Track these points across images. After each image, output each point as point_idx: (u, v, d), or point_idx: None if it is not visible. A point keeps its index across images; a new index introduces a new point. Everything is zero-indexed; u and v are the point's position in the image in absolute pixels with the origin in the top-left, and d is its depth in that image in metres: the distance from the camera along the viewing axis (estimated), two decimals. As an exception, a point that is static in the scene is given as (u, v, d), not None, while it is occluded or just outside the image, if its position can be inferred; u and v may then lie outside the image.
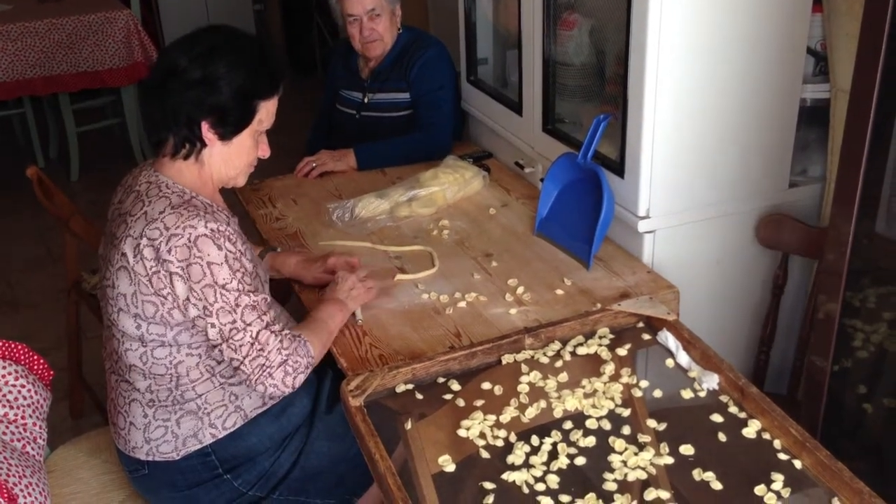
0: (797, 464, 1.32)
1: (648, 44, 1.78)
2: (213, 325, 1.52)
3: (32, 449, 1.67)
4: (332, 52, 2.93)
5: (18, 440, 1.65)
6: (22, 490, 1.52)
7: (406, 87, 2.62)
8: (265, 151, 1.68)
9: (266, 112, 1.62)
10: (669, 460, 1.35)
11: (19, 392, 1.70)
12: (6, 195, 4.40)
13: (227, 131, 1.58)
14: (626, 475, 1.33)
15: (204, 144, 1.59)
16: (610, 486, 1.31)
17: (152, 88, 1.58)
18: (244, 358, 1.53)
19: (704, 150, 1.93)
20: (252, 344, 1.52)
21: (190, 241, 1.49)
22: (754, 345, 2.18)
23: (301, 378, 1.57)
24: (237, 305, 1.51)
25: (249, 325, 1.52)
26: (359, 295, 1.80)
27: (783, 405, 1.41)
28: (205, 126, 1.56)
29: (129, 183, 1.65)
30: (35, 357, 1.78)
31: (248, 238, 2.01)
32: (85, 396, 2.74)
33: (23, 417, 1.68)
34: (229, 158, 1.62)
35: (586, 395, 1.50)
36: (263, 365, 1.53)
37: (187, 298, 1.51)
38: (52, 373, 1.81)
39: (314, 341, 1.62)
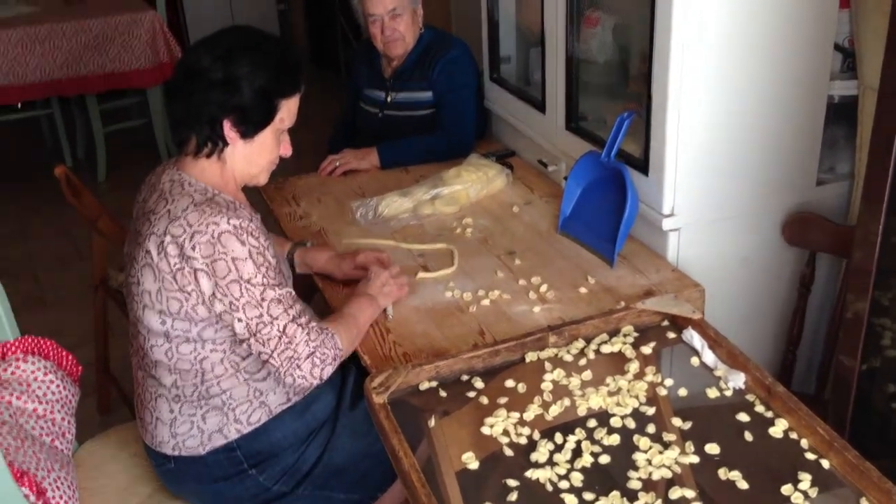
0: (825, 463, 1.31)
1: (673, 41, 1.77)
2: (239, 320, 1.53)
3: (61, 443, 1.69)
4: (355, 52, 2.94)
5: (47, 435, 1.67)
6: (50, 484, 1.54)
7: (428, 87, 2.62)
8: (287, 150, 1.69)
9: (287, 110, 1.63)
10: (695, 459, 1.34)
11: (48, 387, 1.72)
12: (35, 194, 4.46)
13: (249, 130, 1.59)
14: (650, 474, 1.32)
15: (226, 143, 1.60)
16: (634, 484, 1.30)
17: (175, 88, 1.59)
18: (272, 351, 1.54)
19: (730, 148, 1.92)
20: (280, 337, 1.54)
21: (213, 238, 1.50)
22: (781, 344, 2.16)
23: (329, 370, 1.58)
24: (263, 300, 1.53)
25: (276, 318, 1.54)
26: (391, 292, 1.81)
27: (810, 404, 1.40)
28: (227, 125, 1.57)
29: (152, 181, 1.67)
30: (64, 353, 1.80)
31: (274, 234, 2.03)
32: (112, 392, 2.77)
33: (51, 412, 1.71)
34: (251, 157, 1.63)
35: (610, 394, 1.49)
36: (292, 357, 1.54)
37: (213, 294, 1.52)
38: (80, 368, 1.83)
39: (342, 334, 1.63)
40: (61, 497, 1.55)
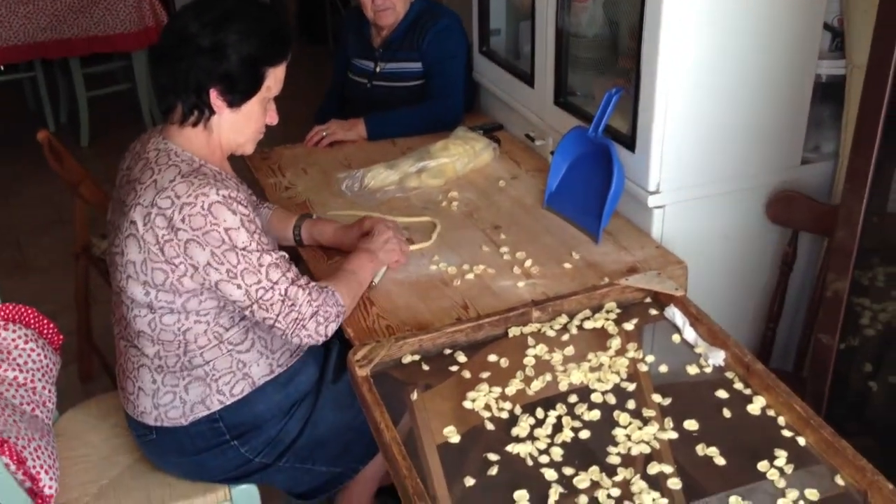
0: (801, 440, 1.33)
1: (663, 17, 1.76)
2: (238, 287, 1.53)
3: (41, 412, 1.69)
4: (344, 21, 2.91)
5: (28, 403, 1.67)
6: (31, 453, 1.54)
7: (418, 57, 2.60)
8: (273, 118, 1.68)
9: (274, 79, 1.61)
10: (673, 435, 1.36)
11: (29, 356, 1.72)
12: (17, 159, 4.41)
13: (236, 98, 1.58)
14: (629, 449, 1.33)
15: (212, 112, 1.58)
16: (613, 459, 1.32)
17: (162, 55, 1.58)
18: (277, 315, 1.56)
19: (717, 126, 1.92)
20: (283, 301, 1.55)
21: (204, 209, 1.49)
22: (761, 321, 2.18)
23: (333, 326, 1.62)
24: (261, 265, 1.53)
25: (276, 283, 1.55)
26: (392, 250, 1.81)
27: (789, 382, 1.41)
28: (213, 93, 1.56)
29: (137, 149, 1.65)
30: (45, 321, 1.79)
31: (279, 208, 2.02)
32: (94, 361, 2.77)
33: (32, 381, 1.70)
34: (238, 125, 1.62)
35: (592, 369, 1.50)
36: (297, 319, 1.57)
37: (208, 263, 1.51)
38: (61, 337, 1.82)
39: (343, 290, 1.65)
40: (41, 466, 1.55)
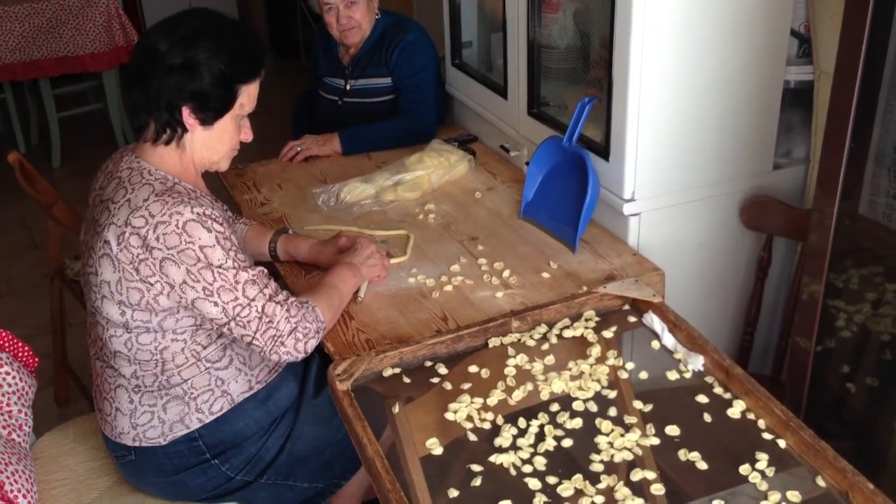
0: (781, 443, 1.33)
1: (633, 26, 1.78)
2: (215, 304, 1.52)
3: (18, 436, 1.67)
4: (314, 39, 2.92)
5: (3, 427, 1.65)
6: (8, 477, 1.52)
7: (387, 73, 2.61)
8: (247, 135, 1.67)
9: (247, 96, 1.61)
10: (655, 441, 1.36)
11: (3, 379, 1.69)
12: (-13, 182, 4.36)
13: (209, 116, 1.57)
14: (612, 456, 1.34)
15: (185, 130, 1.57)
16: (596, 467, 1.32)
17: (133, 73, 1.57)
18: (255, 332, 1.54)
19: (689, 133, 1.94)
20: (260, 318, 1.54)
21: (179, 228, 1.48)
22: (739, 326, 2.20)
23: (313, 343, 1.60)
24: (237, 282, 1.52)
25: (253, 300, 1.53)
26: (374, 265, 1.82)
27: (767, 386, 1.42)
28: (186, 111, 1.55)
29: (109, 169, 1.64)
30: (19, 344, 1.77)
31: (256, 223, 2.01)
32: (70, 383, 2.73)
33: (7, 405, 1.68)
34: (211, 143, 1.61)
35: (573, 378, 1.51)
36: (274, 336, 1.55)
37: (184, 281, 1.50)
38: (36, 360, 1.80)
39: (323, 305, 1.63)
40: (19, 490, 1.53)
